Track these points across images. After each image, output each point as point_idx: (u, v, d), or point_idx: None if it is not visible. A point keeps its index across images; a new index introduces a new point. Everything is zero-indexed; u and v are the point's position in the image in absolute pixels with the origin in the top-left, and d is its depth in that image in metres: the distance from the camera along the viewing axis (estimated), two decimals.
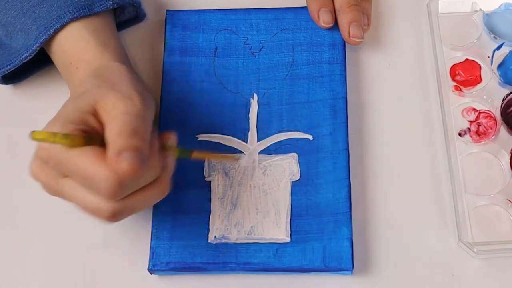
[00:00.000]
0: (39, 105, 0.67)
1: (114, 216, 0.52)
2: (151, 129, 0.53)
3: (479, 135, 0.64)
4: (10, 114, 0.69)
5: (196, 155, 0.57)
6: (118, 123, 0.51)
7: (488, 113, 0.65)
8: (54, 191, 0.54)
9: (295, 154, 0.62)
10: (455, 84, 0.66)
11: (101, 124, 0.52)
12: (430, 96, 0.66)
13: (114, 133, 0.50)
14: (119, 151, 0.49)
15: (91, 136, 0.51)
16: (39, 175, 0.54)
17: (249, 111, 0.64)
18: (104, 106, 0.52)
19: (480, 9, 0.68)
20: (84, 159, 0.50)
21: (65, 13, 0.61)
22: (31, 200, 0.64)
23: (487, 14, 0.68)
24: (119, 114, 0.51)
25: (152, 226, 0.60)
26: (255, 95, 0.65)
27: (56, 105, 0.56)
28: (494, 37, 0.67)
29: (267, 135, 0.63)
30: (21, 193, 0.64)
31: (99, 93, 0.54)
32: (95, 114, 0.53)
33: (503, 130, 0.64)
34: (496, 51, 0.66)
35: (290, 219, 0.60)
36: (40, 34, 0.61)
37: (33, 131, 0.50)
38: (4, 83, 0.68)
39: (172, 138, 0.55)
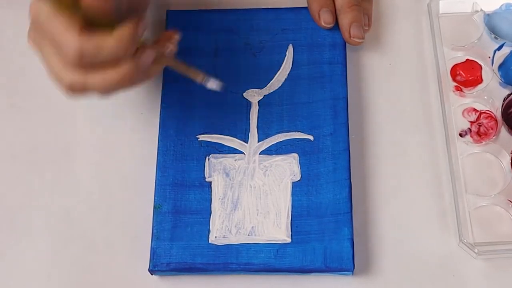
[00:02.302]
0: None
1: (72, 87, 0.54)
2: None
3: (479, 135, 0.64)
4: None
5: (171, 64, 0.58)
6: None
7: (489, 114, 0.65)
8: (39, 54, 0.56)
9: (295, 155, 0.62)
10: (456, 84, 0.66)
11: None
12: (430, 96, 0.66)
13: None
14: None
15: None
16: (31, 38, 0.55)
17: (249, 111, 0.64)
18: None
19: (481, 9, 0.68)
20: (58, 25, 0.52)
21: None
22: (31, 200, 0.64)
23: (488, 15, 0.68)
24: None
25: (153, 227, 0.60)
26: (256, 96, 0.65)
27: None
28: (495, 38, 0.67)
29: (267, 136, 0.63)
30: (21, 193, 0.64)
31: None
32: None
33: (503, 130, 0.64)
34: (497, 51, 0.66)
35: (291, 220, 0.60)
36: None
37: None
38: None
39: (171, 48, 0.56)
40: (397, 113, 0.66)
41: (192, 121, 0.64)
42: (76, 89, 0.54)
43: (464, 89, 0.66)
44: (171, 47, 0.57)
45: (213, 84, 0.59)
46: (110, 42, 0.53)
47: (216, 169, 0.62)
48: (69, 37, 0.52)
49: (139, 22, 0.54)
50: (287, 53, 0.66)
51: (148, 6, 0.59)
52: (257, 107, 0.64)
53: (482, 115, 0.65)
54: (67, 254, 0.62)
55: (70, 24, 0.52)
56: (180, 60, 0.58)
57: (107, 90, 0.55)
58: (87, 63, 0.53)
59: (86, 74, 0.53)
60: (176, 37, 0.57)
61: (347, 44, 0.67)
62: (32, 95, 0.69)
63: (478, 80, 0.66)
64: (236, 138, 0.63)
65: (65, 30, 0.52)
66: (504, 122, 0.64)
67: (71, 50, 0.52)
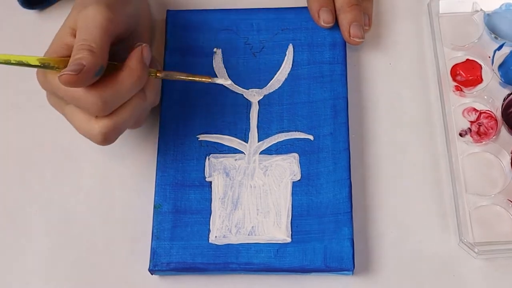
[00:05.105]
0: None
1: (106, 135, 0.55)
2: (110, 40, 0.55)
3: (480, 135, 0.64)
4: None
5: (163, 76, 0.58)
6: (76, 39, 0.55)
7: (489, 113, 0.65)
8: (65, 118, 0.58)
9: (296, 154, 0.62)
10: (456, 84, 0.66)
11: None
12: (431, 96, 0.66)
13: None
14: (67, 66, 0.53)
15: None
16: (52, 104, 0.58)
17: (249, 111, 0.64)
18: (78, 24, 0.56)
19: (481, 9, 0.68)
20: (69, 88, 0.54)
21: None
22: (31, 200, 0.64)
23: (488, 14, 0.68)
24: (80, 27, 0.55)
25: (153, 227, 0.60)
26: (256, 95, 0.65)
27: None
28: (495, 37, 0.67)
29: (267, 135, 0.63)
30: (21, 193, 0.64)
31: (78, 11, 0.56)
32: (74, 34, 0.56)
33: (503, 130, 0.64)
34: (497, 51, 0.66)
35: (291, 219, 0.60)
36: None
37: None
38: (29, 7, 0.70)
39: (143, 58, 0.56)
40: (397, 112, 0.66)
41: (192, 120, 0.64)
42: (110, 135, 0.55)
43: (464, 89, 0.66)
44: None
45: (221, 81, 0.61)
46: (125, 80, 0.54)
47: (216, 169, 0.62)
48: (87, 95, 0.53)
49: (143, 49, 0.56)
50: (287, 52, 0.66)
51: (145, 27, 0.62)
52: (257, 106, 0.64)
53: (482, 115, 0.65)
54: (67, 254, 0.62)
55: None
56: (179, 71, 0.60)
57: (139, 121, 0.58)
58: (112, 105, 0.54)
59: (114, 115, 0.55)
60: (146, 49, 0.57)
61: (347, 43, 0.67)
62: (32, 95, 0.68)
63: (478, 80, 0.66)
64: (236, 137, 0.63)
65: (79, 90, 0.53)
66: (504, 121, 0.64)
67: (93, 105, 0.53)
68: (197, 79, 0.59)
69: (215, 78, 0.60)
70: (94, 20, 0.54)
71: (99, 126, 0.55)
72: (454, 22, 0.69)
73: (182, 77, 0.59)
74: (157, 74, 0.58)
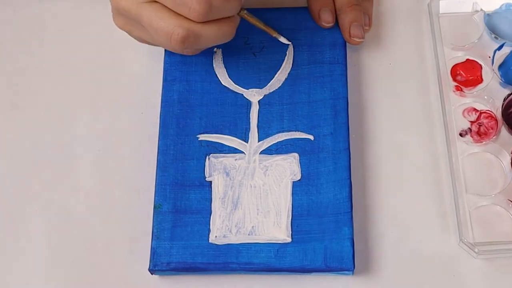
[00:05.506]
0: None
1: (187, 39, 0.55)
2: None
3: (480, 135, 0.64)
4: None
5: (244, 15, 0.61)
6: None
7: (489, 113, 0.65)
8: (130, 16, 0.56)
9: (296, 154, 0.62)
10: (456, 84, 0.66)
11: None
12: (431, 96, 0.66)
13: None
14: None
15: None
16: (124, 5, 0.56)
17: (250, 111, 0.64)
18: None
19: (481, 9, 0.68)
20: None
21: None
22: (31, 200, 0.64)
23: (488, 14, 0.68)
24: None
25: (153, 226, 0.60)
26: (256, 95, 0.65)
27: None
28: (495, 37, 0.67)
29: (268, 135, 0.63)
30: (21, 193, 0.64)
31: None
32: None
33: (504, 130, 0.64)
34: (497, 51, 0.66)
35: (291, 219, 0.60)
36: None
37: None
38: None
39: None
40: (397, 112, 0.66)
41: (192, 120, 0.64)
42: (190, 39, 0.55)
43: (464, 89, 0.66)
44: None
45: (283, 40, 0.64)
46: None
47: (216, 169, 0.62)
48: None
49: None
50: (287, 52, 0.66)
51: None
52: (257, 106, 0.64)
53: (482, 115, 0.65)
54: (67, 254, 0.62)
55: None
56: (255, 17, 0.63)
57: (217, 42, 0.57)
58: (210, 17, 0.54)
59: (204, 25, 0.55)
60: None
61: (347, 43, 0.67)
62: (32, 95, 0.69)
63: (478, 80, 0.66)
64: (236, 137, 0.63)
65: None
66: (504, 121, 0.64)
67: (199, 4, 0.53)
68: (266, 29, 0.64)
69: (280, 35, 0.64)
70: None
71: (186, 24, 0.54)
72: (454, 22, 0.69)
73: (255, 22, 0.62)
74: (241, 11, 0.60)
